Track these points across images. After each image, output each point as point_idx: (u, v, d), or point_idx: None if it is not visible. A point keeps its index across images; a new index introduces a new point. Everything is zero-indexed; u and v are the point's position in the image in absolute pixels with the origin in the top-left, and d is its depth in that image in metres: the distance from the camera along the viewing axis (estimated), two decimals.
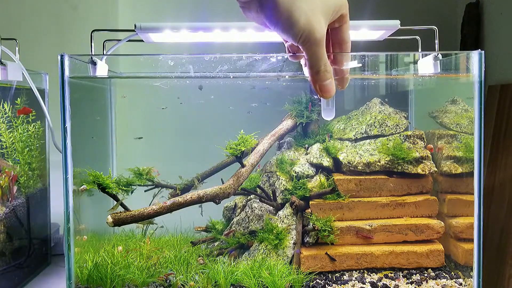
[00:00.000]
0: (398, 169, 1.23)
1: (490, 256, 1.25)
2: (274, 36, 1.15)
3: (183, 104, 1.43)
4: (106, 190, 1.07)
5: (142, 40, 1.20)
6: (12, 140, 1.26)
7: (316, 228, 1.16)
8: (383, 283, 1.11)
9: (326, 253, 1.15)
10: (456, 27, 1.63)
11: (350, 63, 1.09)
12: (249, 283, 1.08)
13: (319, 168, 1.29)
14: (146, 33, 1.10)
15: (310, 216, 1.19)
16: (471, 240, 1.07)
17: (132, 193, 1.21)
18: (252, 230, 1.28)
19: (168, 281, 1.11)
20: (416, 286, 1.11)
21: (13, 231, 1.24)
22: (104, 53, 1.20)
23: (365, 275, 1.15)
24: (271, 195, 1.28)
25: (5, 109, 1.23)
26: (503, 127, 1.32)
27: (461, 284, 1.12)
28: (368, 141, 1.29)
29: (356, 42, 1.26)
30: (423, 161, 1.24)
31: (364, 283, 1.11)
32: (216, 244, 1.32)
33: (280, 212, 1.25)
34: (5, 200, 1.21)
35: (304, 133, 1.39)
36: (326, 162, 1.28)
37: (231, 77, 1.16)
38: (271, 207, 1.29)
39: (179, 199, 1.09)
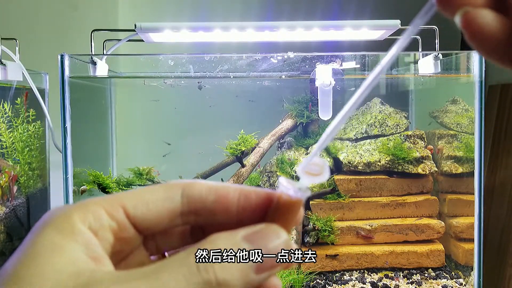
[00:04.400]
0: (399, 169, 1.23)
1: (491, 256, 1.25)
2: (274, 36, 1.15)
3: (182, 104, 1.43)
4: (106, 190, 1.07)
5: (142, 40, 1.20)
6: (12, 140, 1.26)
7: (316, 228, 1.16)
8: (383, 283, 1.10)
9: (327, 255, 1.15)
10: (456, 27, 1.63)
11: (347, 64, 1.09)
12: None
13: None
14: (146, 33, 1.10)
15: (311, 216, 1.19)
16: (472, 240, 1.07)
17: None
18: None
19: None
20: (417, 286, 1.11)
21: (13, 231, 1.24)
22: (104, 53, 1.20)
23: (366, 275, 1.15)
24: None
25: (5, 109, 1.23)
26: (504, 127, 1.32)
27: (461, 284, 1.11)
28: (368, 141, 1.29)
29: (356, 42, 1.26)
30: (424, 161, 1.24)
31: (364, 283, 1.11)
32: None
33: None
34: (5, 200, 1.21)
35: (304, 133, 1.39)
36: (327, 162, 1.28)
37: (231, 76, 1.16)
38: None
39: None
